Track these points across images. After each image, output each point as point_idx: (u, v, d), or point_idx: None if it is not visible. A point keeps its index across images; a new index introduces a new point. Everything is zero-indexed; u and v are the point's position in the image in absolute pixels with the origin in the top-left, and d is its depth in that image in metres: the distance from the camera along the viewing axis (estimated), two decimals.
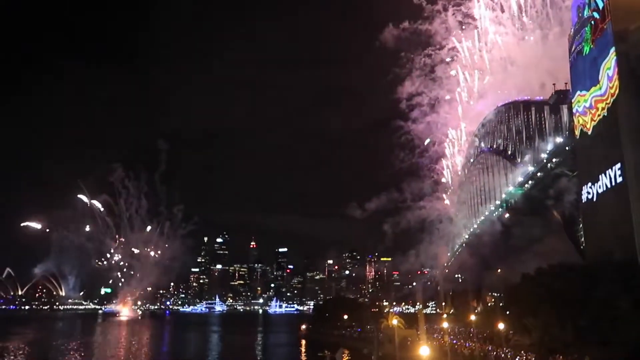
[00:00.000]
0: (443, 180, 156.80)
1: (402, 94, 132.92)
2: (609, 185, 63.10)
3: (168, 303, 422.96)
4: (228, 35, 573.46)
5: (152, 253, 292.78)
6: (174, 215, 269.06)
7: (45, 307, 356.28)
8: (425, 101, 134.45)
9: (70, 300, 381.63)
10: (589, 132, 69.25)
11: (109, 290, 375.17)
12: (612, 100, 62.80)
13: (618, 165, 60.82)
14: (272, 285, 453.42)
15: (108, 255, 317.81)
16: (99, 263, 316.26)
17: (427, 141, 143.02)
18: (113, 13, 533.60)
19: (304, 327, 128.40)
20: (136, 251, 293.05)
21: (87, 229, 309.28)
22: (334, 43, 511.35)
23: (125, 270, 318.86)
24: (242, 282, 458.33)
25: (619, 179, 60.59)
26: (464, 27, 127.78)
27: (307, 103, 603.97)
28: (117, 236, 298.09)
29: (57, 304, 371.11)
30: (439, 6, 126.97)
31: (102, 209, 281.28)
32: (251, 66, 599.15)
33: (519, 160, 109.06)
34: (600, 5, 66.12)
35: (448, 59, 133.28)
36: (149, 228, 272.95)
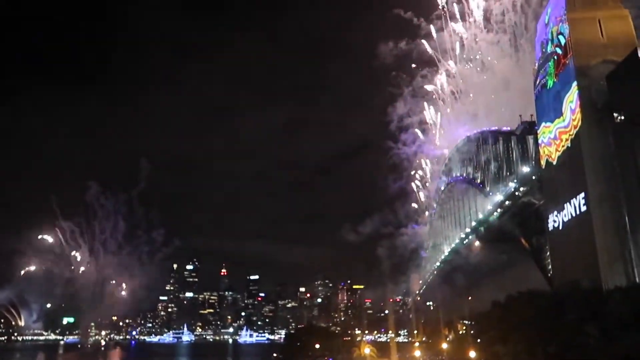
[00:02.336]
0: (417, 206, 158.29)
1: (393, 115, 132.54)
2: (573, 214, 64.88)
3: (134, 333, 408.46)
4: (201, 57, 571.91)
5: (124, 279, 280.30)
6: (152, 239, 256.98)
7: (2, 339, 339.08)
8: (408, 122, 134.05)
9: (30, 331, 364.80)
10: (554, 162, 71.48)
11: (71, 319, 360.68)
12: (575, 131, 65.22)
13: (582, 195, 62.75)
14: (243, 313, 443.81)
15: (77, 282, 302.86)
16: (65, 289, 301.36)
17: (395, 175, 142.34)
18: (84, 33, 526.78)
19: (274, 356, 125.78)
20: (108, 276, 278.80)
21: (56, 252, 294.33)
22: (312, 68, 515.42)
23: (91, 297, 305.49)
24: (211, 310, 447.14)
25: (583, 208, 62.42)
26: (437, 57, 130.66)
27: (284, 129, 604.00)
28: (87, 261, 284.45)
29: (15, 334, 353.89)
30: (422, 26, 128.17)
31: (75, 230, 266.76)
32: (225, 90, 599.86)
33: (488, 188, 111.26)
34: (562, 41, 69.23)
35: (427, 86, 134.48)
36: (124, 252, 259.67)
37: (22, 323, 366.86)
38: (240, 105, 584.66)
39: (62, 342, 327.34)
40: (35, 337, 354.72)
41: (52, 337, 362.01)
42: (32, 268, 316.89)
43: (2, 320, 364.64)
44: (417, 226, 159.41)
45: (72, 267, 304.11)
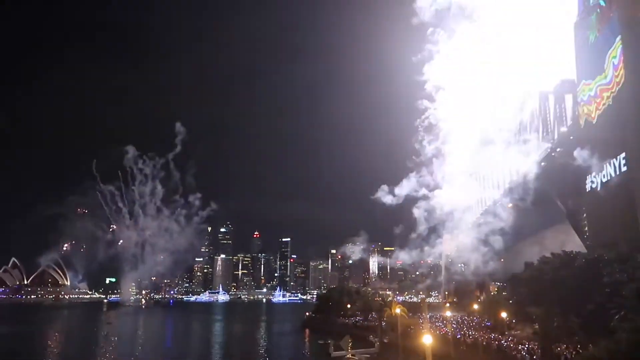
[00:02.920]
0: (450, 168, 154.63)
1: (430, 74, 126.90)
2: (613, 175, 62.99)
3: (172, 292, 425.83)
4: (227, 24, 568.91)
5: (163, 242, 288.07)
6: (189, 203, 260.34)
7: (50, 297, 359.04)
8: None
9: (75, 290, 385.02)
10: (594, 122, 69.00)
11: (113, 279, 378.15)
12: (617, 89, 62.47)
13: (623, 155, 60.67)
14: (276, 274, 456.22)
15: (119, 243, 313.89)
16: (107, 251, 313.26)
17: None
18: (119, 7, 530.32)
19: (307, 315, 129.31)
20: (147, 239, 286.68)
21: (98, 215, 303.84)
22: (338, 27, 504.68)
23: (132, 259, 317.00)
24: (245, 271, 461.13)
25: (624, 168, 60.45)
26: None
27: (314, 89, 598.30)
28: (128, 223, 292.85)
29: (62, 293, 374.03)
30: None
31: (115, 194, 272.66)
32: (253, 56, 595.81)
33: (524, 149, 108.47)
34: None
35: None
36: (162, 215, 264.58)
37: (67, 283, 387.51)
38: (269, 64, 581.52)
39: (105, 301, 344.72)
40: (80, 296, 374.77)
41: (96, 295, 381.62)
42: (76, 231, 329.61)
43: (50, 280, 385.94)
44: (452, 188, 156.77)
45: (114, 230, 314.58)
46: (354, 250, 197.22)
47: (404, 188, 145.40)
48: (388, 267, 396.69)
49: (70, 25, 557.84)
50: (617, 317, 40.52)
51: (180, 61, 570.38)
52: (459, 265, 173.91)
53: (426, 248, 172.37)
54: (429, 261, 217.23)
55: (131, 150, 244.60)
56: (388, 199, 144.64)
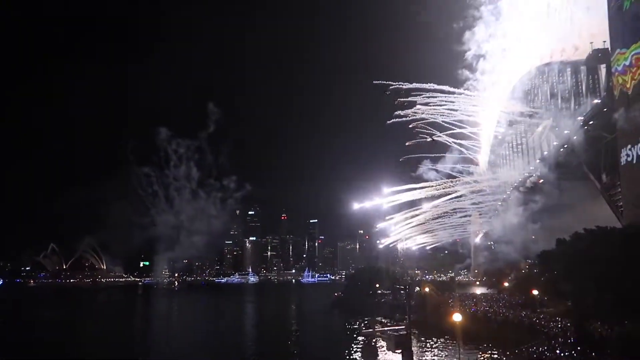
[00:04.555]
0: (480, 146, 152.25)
1: (471, 43, 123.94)
2: None
3: (204, 274, 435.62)
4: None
5: (196, 225, 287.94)
6: (225, 186, 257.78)
7: (88, 280, 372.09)
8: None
9: (111, 273, 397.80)
10: (629, 92, 66.35)
11: (147, 262, 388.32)
12: None
13: None
14: (304, 255, 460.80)
15: (153, 227, 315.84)
16: (141, 235, 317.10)
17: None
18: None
19: (336, 295, 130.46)
20: (181, 222, 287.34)
21: (133, 199, 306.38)
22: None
23: (165, 242, 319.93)
24: (274, 253, 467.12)
25: None
26: None
27: (347, 69, 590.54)
28: (163, 206, 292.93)
29: (99, 277, 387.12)
30: None
31: (150, 177, 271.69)
32: (291, 37, 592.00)
33: (554, 123, 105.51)
34: None
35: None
36: (197, 197, 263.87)
37: (104, 267, 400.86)
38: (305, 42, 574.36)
39: (140, 284, 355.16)
40: (116, 279, 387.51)
41: (131, 279, 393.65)
42: (112, 216, 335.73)
43: (87, 265, 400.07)
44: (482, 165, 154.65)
45: (149, 213, 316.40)
46: (380, 231, 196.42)
47: (447, 162, 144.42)
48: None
49: (102, 9, 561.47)
50: None
51: (212, 40, 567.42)
52: (489, 242, 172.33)
53: (456, 226, 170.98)
54: (458, 239, 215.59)
55: (164, 132, 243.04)
56: (431, 175, 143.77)
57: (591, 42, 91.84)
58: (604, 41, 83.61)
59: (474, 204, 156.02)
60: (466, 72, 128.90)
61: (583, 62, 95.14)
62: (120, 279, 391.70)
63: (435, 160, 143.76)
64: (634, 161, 64.85)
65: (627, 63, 66.31)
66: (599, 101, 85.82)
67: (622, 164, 68.50)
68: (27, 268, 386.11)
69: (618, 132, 72.36)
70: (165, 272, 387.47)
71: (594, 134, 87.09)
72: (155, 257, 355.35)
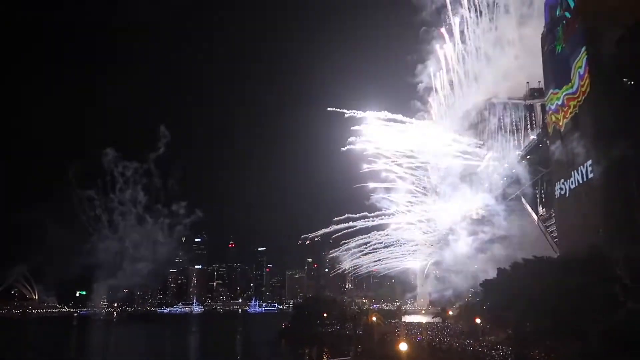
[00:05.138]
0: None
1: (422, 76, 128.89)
2: (580, 181, 64.67)
3: (145, 304, 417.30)
4: (217, 23, 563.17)
5: (140, 252, 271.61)
6: (173, 212, 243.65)
7: (17, 312, 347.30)
8: None
9: (44, 304, 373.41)
10: (562, 130, 70.84)
11: (84, 292, 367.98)
12: (583, 98, 64.34)
13: (589, 162, 62.38)
14: (252, 284, 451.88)
15: (92, 254, 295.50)
16: (79, 263, 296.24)
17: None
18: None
19: (284, 325, 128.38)
20: (124, 249, 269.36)
21: (72, 223, 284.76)
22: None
23: (105, 270, 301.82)
24: (220, 282, 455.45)
25: (591, 175, 62.15)
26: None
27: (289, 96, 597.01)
28: (105, 232, 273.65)
29: (29, 307, 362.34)
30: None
31: (93, 200, 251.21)
32: (240, 58, 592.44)
33: (489, 156, 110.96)
34: (572, 4, 67.65)
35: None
36: (143, 223, 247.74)
37: (36, 297, 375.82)
38: (256, 66, 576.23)
39: (75, 315, 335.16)
40: (49, 310, 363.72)
41: (66, 309, 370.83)
42: (47, 241, 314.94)
43: (17, 295, 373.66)
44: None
45: (89, 239, 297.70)
46: (329, 260, 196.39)
47: (398, 191, 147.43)
48: (364, 274, 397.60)
49: (50, 24, 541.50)
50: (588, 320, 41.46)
51: (164, 62, 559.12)
52: (434, 272, 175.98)
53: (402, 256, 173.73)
54: (409, 268, 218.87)
55: (111, 153, 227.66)
56: (383, 204, 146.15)
57: (527, 82, 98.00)
58: (539, 81, 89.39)
59: (423, 232, 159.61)
60: (418, 103, 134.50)
61: (521, 100, 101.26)
62: (54, 310, 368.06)
63: (387, 190, 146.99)
64: (567, 194, 68.77)
65: (560, 102, 71.02)
66: (535, 137, 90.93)
67: (557, 196, 72.48)
68: None
69: (552, 167, 76.82)
70: (104, 302, 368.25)
71: (531, 168, 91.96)
72: (93, 285, 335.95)
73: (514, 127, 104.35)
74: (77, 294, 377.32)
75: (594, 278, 47.52)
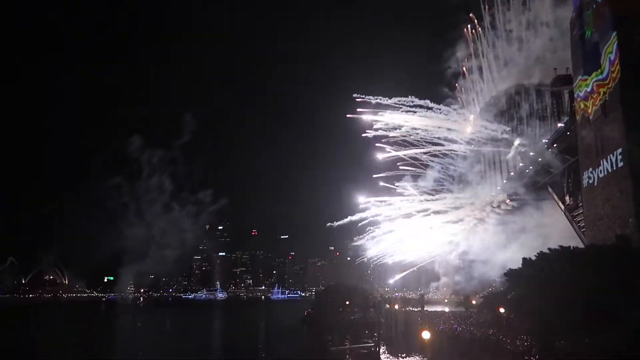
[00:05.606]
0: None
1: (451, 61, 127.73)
2: (609, 170, 63.25)
3: (170, 290, 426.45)
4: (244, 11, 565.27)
5: (166, 239, 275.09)
6: (199, 199, 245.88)
7: (48, 296, 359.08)
8: None
9: (74, 289, 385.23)
10: (591, 117, 69.19)
11: (111, 278, 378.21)
12: (613, 84, 62.61)
13: (619, 150, 60.90)
14: (274, 272, 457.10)
15: (120, 241, 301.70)
16: (107, 249, 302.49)
17: None
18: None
19: (306, 312, 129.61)
20: (150, 236, 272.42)
21: (101, 211, 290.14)
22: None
23: (132, 257, 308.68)
24: (244, 268, 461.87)
25: (620, 163, 60.72)
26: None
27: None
28: (131, 220, 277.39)
29: (60, 292, 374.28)
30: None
31: (120, 188, 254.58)
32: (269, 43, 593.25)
33: (516, 144, 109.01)
34: None
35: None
36: (169, 210, 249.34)
37: (66, 282, 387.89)
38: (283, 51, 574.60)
39: (103, 299, 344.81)
40: (78, 295, 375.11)
41: (94, 294, 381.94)
42: (77, 228, 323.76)
43: (48, 279, 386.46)
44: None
45: (116, 227, 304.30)
46: (351, 248, 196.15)
47: (425, 179, 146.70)
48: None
49: (75, 14, 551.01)
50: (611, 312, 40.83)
51: (190, 50, 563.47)
52: (457, 261, 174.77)
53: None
54: (435, 258, 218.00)
55: (137, 141, 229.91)
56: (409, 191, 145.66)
57: (555, 69, 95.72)
58: (567, 67, 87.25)
59: (448, 222, 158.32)
60: (445, 90, 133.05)
61: (548, 87, 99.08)
62: (84, 294, 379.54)
63: (414, 178, 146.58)
64: (595, 183, 67.38)
65: (589, 89, 69.27)
66: (563, 125, 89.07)
67: (584, 186, 71.10)
68: None
69: (580, 155, 75.22)
70: (131, 287, 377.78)
71: (559, 156, 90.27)
72: (120, 271, 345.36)
73: (543, 115, 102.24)
74: (105, 280, 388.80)
75: (623, 269, 46.67)
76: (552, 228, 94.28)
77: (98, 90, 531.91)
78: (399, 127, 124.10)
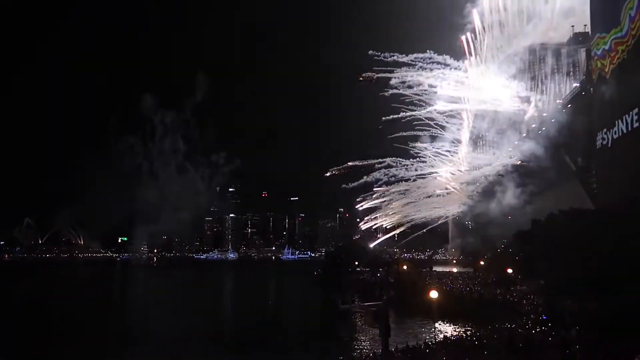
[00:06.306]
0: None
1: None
2: (624, 131, 61.98)
3: (182, 251, 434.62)
4: None
5: (178, 200, 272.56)
6: (212, 161, 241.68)
7: (65, 255, 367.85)
8: None
9: (89, 249, 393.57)
10: (607, 76, 67.33)
11: (125, 238, 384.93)
12: (632, 42, 60.52)
13: (636, 110, 59.47)
14: (284, 233, 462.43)
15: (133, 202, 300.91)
16: (121, 210, 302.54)
17: None
18: None
19: (317, 272, 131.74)
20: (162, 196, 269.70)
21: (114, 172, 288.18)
22: None
23: (145, 217, 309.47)
24: (254, 230, 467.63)
25: (636, 124, 59.42)
26: None
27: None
28: (144, 180, 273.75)
29: (75, 252, 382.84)
30: None
31: (133, 149, 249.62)
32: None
33: (533, 104, 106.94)
34: None
35: None
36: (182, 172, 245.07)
37: (81, 242, 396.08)
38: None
39: (118, 259, 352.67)
40: (93, 255, 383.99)
41: (109, 254, 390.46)
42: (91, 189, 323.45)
43: (64, 240, 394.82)
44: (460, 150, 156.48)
45: (130, 187, 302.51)
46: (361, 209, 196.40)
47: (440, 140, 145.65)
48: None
49: None
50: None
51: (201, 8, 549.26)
52: (466, 222, 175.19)
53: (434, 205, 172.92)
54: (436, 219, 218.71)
55: (149, 100, 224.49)
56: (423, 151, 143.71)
57: (572, 26, 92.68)
58: (584, 25, 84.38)
59: (462, 183, 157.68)
60: (465, 45, 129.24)
61: (564, 45, 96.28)
62: (99, 254, 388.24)
63: (432, 138, 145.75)
64: (609, 144, 66.22)
65: (607, 47, 67.11)
66: (578, 84, 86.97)
67: (598, 147, 69.93)
68: (1, 242, 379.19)
69: (594, 116, 73.71)
70: (144, 247, 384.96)
71: (572, 116, 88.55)
72: (134, 232, 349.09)
73: (560, 73, 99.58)
74: (120, 240, 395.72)
75: (632, 230, 46.34)
76: (566, 190, 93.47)
77: (113, 49, 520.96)
78: (417, 84, 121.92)
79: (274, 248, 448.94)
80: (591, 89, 75.93)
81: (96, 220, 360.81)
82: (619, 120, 63.10)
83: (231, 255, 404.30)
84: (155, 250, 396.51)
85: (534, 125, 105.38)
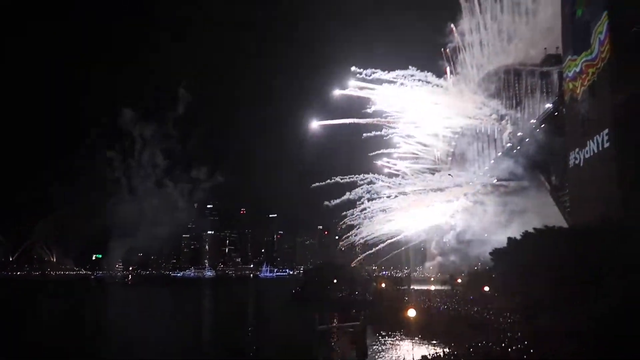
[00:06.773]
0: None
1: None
2: (595, 151, 63.62)
3: (159, 268, 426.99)
4: None
5: (155, 216, 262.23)
6: (192, 177, 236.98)
7: (36, 273, 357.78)
8: None
9: (62, 266, 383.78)
10: (579, 98, 69.27)
11: (99, 255, 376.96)
12: (602, 64, 62.53)
13: (606, 131, 61.16)
14: (263, 250, 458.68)
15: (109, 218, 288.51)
16: (95, 226, 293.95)
17: None
18: None
19: (295, 290, 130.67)
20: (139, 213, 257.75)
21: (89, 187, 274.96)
22: None
23: (120, 234, 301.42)
24: (232, 247, 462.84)
25: (607, 144, 61.04)
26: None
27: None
28: (121, 196, 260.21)
29: (48, 269, 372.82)
30: None
31: (112, 163, 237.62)
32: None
33: (508, 124, 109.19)
34: None
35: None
36: (160, 187, 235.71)
37: (54, 259, 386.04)
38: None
39: (92, 277, 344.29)
40: (66, 272, 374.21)
41: (83, 272, 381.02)
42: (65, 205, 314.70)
43: (36, 257, 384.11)
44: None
45: (107, 202, 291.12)
46: (340, 228, 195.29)
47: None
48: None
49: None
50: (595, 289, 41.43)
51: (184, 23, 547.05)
52: (444, 240, 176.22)
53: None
54: (431, 237, 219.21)
55: (128, 114, 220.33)
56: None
57: (545, 48, 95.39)
58: (557, 47, 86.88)
59: (443, 201, 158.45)
60: (445, 64, 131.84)
61: (537, 66, 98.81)
62: (72, 272, 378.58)
63: (414, 156, 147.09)
64: (581, 164, 67.84)
65: (578, 70, 69.19)
66: (551, 105, 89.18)
67: (570, 166, 71.56)
68: None
69: (567, 136, 75.53)
70: (119, 265, 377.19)
71: (546, 136, 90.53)
72: (109, 248, 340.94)
73: (534, 94, 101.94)
74: (94, 257, 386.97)
75: (605, 247, 47.21)
76: (541, 209, 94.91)
77: (93, 61, 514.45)
78: (398, 101, 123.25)
79: (252, 266, 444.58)
80: (563, 110, 77.89)
81: (69, 238, 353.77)
82: (591, 141, 64.81)
83: (208, 273, 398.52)
84: (130, 268, 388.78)
85: (509, 144, 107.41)
